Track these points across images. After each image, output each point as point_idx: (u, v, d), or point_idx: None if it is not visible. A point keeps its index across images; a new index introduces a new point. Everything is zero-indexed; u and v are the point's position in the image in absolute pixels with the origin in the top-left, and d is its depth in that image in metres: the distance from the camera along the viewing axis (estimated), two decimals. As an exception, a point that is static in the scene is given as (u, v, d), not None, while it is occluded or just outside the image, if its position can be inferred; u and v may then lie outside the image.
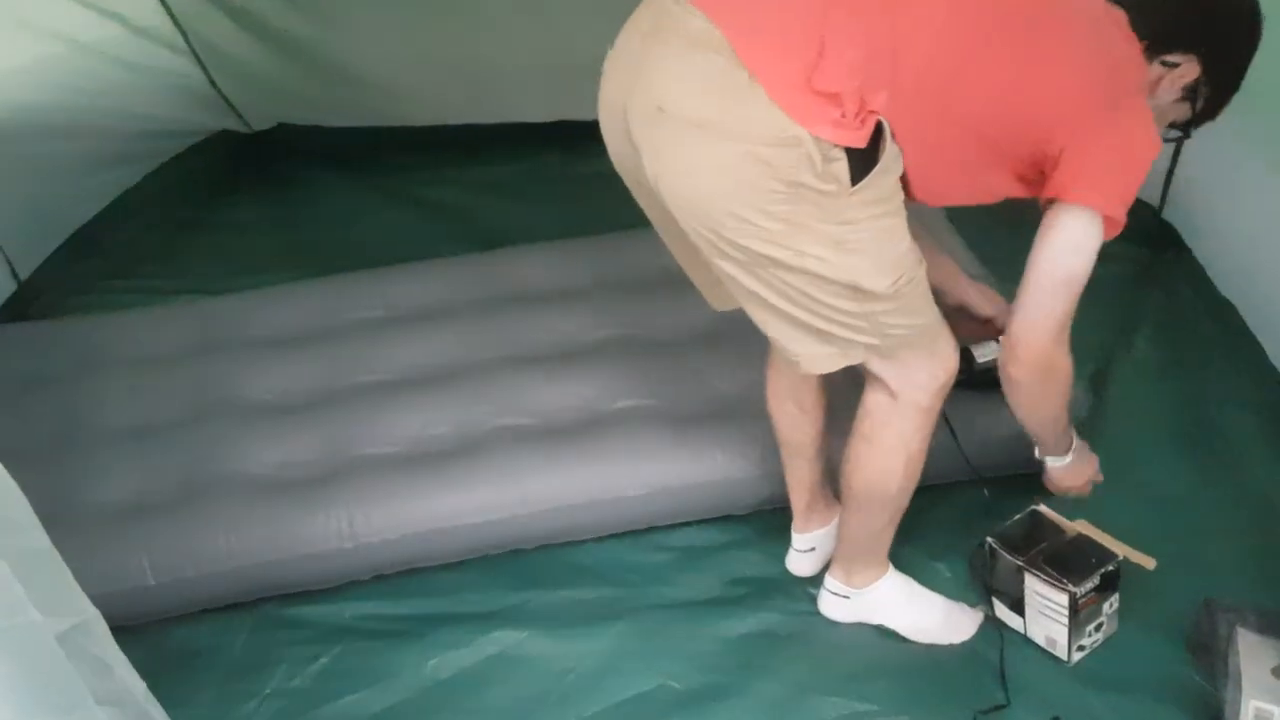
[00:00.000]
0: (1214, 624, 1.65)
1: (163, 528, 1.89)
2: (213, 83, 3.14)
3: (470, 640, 1.80)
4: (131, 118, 2.98)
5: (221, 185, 3.36)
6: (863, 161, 1.31)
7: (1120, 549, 1.72)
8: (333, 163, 3.40)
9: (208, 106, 3.20)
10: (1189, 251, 2.53)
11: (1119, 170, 1.39)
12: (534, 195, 3.24)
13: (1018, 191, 1.48)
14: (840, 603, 1.76)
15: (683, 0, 1.31)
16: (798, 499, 1.83)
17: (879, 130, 1.32)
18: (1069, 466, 1.72)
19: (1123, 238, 2.59)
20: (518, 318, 2.32)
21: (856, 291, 1.37)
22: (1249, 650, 1.59)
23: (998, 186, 1.48)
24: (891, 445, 1.56)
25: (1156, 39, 1.44)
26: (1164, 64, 1.46)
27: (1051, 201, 1.41)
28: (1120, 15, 1.43)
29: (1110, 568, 1.67)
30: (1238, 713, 1.52)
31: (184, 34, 2.94)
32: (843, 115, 1.27)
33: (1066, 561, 1.67)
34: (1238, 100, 2.29)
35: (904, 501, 1.64)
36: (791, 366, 1.53)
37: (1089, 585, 1.64)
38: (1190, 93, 1.49)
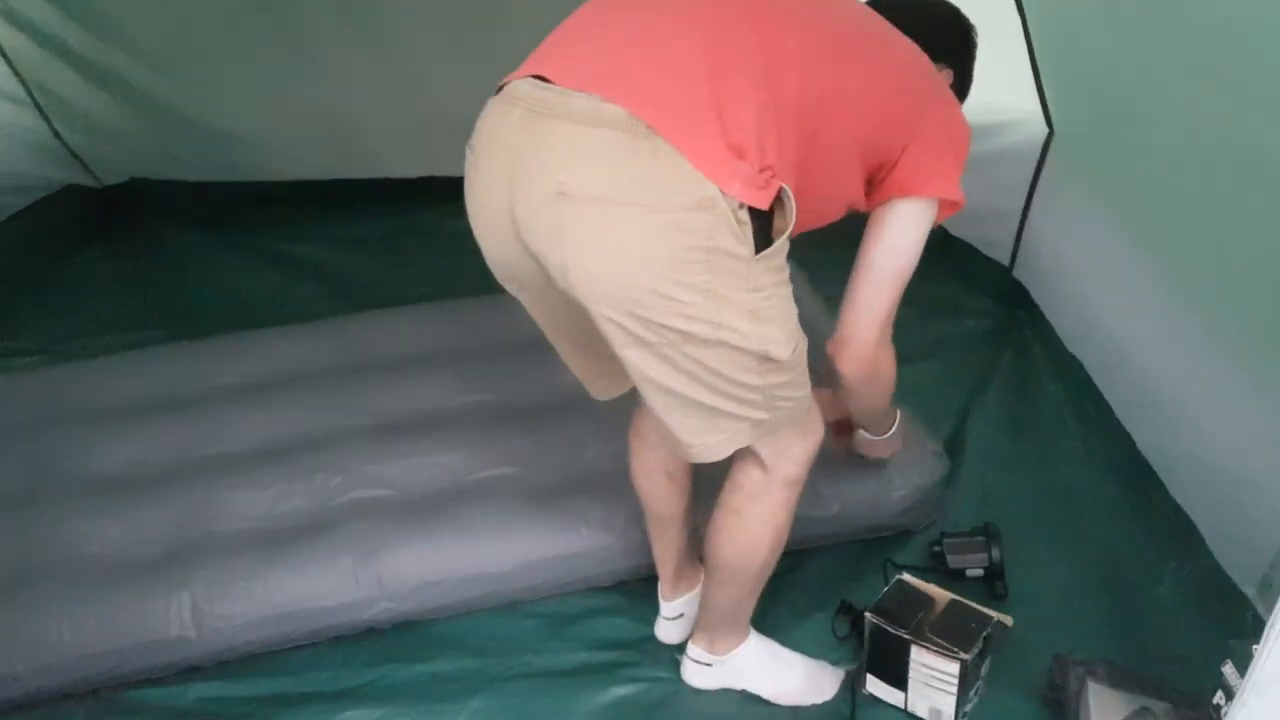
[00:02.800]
0: (1066, 678, 1.68)
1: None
2: (57, 135, 3.00)
3: (320, 723, 1.72)
4: (-31, 172, 2.84)
5: (70, 242, 3.23)
6: (762, 226, 1.29)
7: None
8: (190, 219, 3.31)
9: (53, 160, 3.08)
10: (1038, 309, 2.63)
11: (951, 154, 1.46)
12: (405, 252, 3.19)
13: (863, 199, 1.51)
14: (703, 670, 1.74)
15: (553, 86, 1.26)
16: (665, 567, 1.81)
17: (780, 194, 1.29)
18: (887, 441, 1.88)
19: (979, 294, 2.75)
20: (376, 384, 2.25)
21: (764, 362, 1.34)
22: (1099, 703, 1.62)
23: (853, 195, 1.49)
24: (762, 517, 1.56)
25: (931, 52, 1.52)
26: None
27: (884, 201, 1.47)
28: None
29: (989, 631, 1.67)
30: (1089, 767, 1.55)
31: (25, 85, 2.82)
32: (750, 169, 1.24)
33: (949, 629, 1.66)
34: (1079, 163, 2.42)
35: (769, 571, 1.63)
36: (679, 453, 1.48)
37: (976, 650, 1.63)
38: None
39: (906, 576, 1.78)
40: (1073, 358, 2.45)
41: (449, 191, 3.11)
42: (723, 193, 1.21)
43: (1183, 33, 1.72)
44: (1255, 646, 1.16)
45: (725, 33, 1.28)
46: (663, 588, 1.83)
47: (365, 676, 1.80)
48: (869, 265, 1.48)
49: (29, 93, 2.85)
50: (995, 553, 1.91)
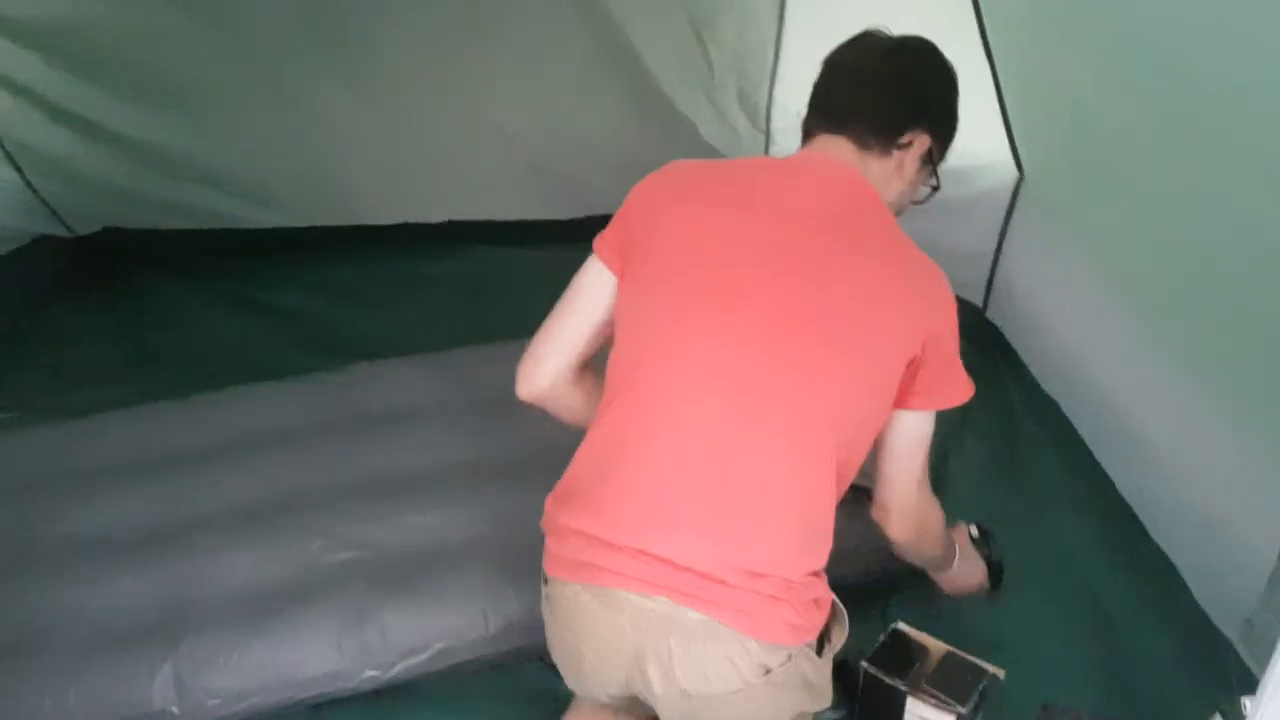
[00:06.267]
0: (1052, 728, 1.69)
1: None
2: (29, 184, 2.98)
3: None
4: (-61, 225, 2.80)
5: (44, 294, 3.19)
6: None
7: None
8: (166, 268, 3.29)
9: (25, 210, 3.04)
10: (1014, 351, 2.64)
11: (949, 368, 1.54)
12: (380, 299, 3.18)
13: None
14: None
15: (657, 599, 1.36)
16: None
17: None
18: (957, 572, 1.85)
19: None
20: (357, 441, 2.24)
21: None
22: (1085, 755, 1.63)
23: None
24: None
25: (887, 137, 1.52)
26: (899, 148, 1.53)
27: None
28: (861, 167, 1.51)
29: (985, 683, 1.67)
30: (1077, 819, 1.55)
31: (-5, 134, 2.80)
32: (791, 610, 1.36)
33: (946, 681, 1.66)
34: (1049, 206, 2.44)
35: None
36: None
37: (973, 703, 1.63)
38: (928, 157, 1.58)
39: (902, 625, 1.78)
40: (1049, 399, 2.46)
41: (422, 238, 3.09)
42: (789, 647, 1.37)
43: (1150, 77, 1.75)
44: (1245, 699, 1.17)
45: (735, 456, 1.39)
46: None
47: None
48: (892, 449, 1.52)
49: (-1, 142, 2.84)
50: (991, 549, 1.94)
